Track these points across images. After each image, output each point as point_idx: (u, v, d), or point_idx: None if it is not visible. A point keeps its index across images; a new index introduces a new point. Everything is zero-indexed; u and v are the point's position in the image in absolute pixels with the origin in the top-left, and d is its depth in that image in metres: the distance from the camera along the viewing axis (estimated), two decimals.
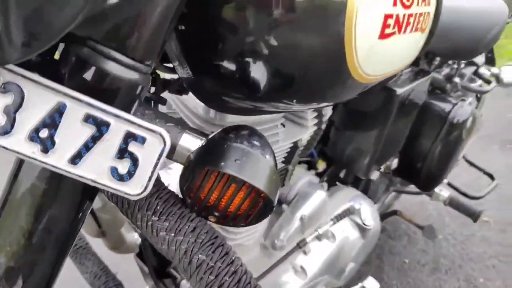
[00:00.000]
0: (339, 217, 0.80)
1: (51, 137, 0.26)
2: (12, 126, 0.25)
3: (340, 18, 0.36)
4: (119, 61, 0.28)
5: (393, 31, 0.41)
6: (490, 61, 1.50)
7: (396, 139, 0.90)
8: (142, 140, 0.27)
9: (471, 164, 1.48)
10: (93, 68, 0.28)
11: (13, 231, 0.31)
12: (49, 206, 0.31)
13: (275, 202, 0.36)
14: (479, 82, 1.18)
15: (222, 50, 0.39)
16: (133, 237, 0.83)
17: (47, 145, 0.26)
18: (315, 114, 0.67)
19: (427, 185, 1.06)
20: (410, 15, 0.43)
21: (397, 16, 0.41)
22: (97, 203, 0.70)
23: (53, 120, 0.26)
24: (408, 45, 0.46)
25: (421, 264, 1.53)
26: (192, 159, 0.35)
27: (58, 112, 0.26)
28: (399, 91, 0.75)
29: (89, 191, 0.32)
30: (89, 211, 0.35)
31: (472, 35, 0.89)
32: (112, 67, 0.28)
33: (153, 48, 0.31)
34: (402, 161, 1.01)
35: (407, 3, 0.42)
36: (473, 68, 1.17)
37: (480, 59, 1.17)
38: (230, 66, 0.39)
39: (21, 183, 0.30)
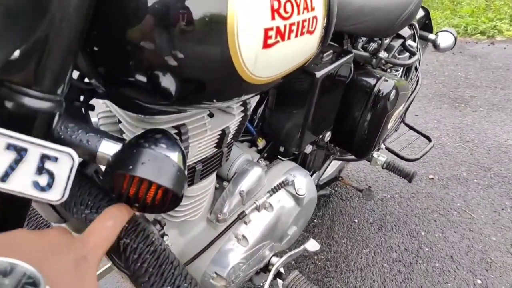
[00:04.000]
0: (275, 189, 0.91)
1: None
2: None
3: (223, 36, 0.44)
4: (32, 95, 0.36)
5: (276, 40, 0.49)
6: (427, 28, 1.61)
7: (325, 115, 1.00)
8: (55, 159, 0.35)
9: (410, 127, 1.61)
10: (11, 104, 0.35)
11: None
12: None
13: (181, 194, 0.44)
14: (407, 54, 1.29)
15: (132, 66, 0.46)
16: None
17: None
18: (241, 102, 0.75)
19: (360, 152, 1.17)
20: (292, 24, 0.51)
21: (277, 27, 0.49)
22: None
23: None
24: (296, 49, 0.54)
25: (369, 222, 1.68)
26: (110, 162, 0.44)
27: None
28: (318, 74, 0.84)
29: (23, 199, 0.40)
30: (28, 211, 0.43)
31: (386, 15, 0.98)
32: (28, 101, 0.35)
33: (61, 79, 0.38)
34: (337, 132, 1.11)
35: (286, 15, 0.49)
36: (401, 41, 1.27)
37: (406, 31, 1.26)
38: (141, 79, 0.46)
39: None
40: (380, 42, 1.13)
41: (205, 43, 0.44)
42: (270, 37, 0.48)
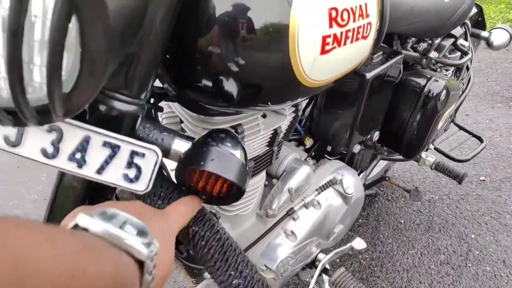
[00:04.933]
0: (323, 187, 0.93)
1: (83, 158, 0.39)
2: (57, 152, 0.39)
3: (285, 44, 0.48)
4: (122, 100, 0.41)
5: (333, 47, 0.52)
6: (480, 25, 1.56)
7: (374, 115, 1.01)
8: (143, 155, 0.40)
9: (461, 128, 1.57)
10: (104, 107, 0.41)
11: (62, 217, 0.45)
12: (85, 199, 0.45)
13: (244, 187, 0.49)
14: (458, 53, 1.26)
15: (199, 72, 0.51)
16: None
17: (81, 163, 0.39)
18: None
19: (409, 153, 1.17)
20: (348, 31, 0.54)
21: (335, 35, 0.52)
22: None
23: (83, 147, 0.39)
24: (350, 53, 0.57)
25: (416, 223, 1.65)
26: (182, 159, 0.49)
27: (86, 141, 0.39)
28: (369, 75, 0.86)
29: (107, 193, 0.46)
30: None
31: (438, 16, 0.97)
32: (118, 105, 0.41)
33: (145, 86, 0.43)
34: (385, 132, 1.12)
35: (342, 23, 0.52)
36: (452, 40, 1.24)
37: (458, 30, 1.24)
38: (207, 83, 0.51)
39: (64, 186, 0.44)
40: (430, 42, 1.12)
41: (268, 51, 0.48)
42: (328, 44, 0.51)
